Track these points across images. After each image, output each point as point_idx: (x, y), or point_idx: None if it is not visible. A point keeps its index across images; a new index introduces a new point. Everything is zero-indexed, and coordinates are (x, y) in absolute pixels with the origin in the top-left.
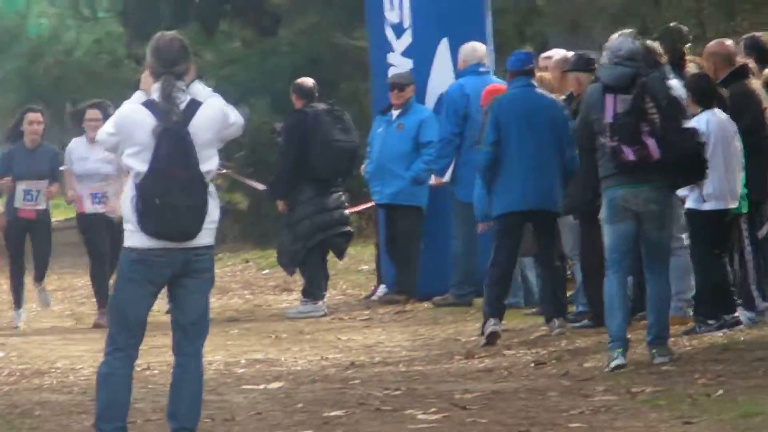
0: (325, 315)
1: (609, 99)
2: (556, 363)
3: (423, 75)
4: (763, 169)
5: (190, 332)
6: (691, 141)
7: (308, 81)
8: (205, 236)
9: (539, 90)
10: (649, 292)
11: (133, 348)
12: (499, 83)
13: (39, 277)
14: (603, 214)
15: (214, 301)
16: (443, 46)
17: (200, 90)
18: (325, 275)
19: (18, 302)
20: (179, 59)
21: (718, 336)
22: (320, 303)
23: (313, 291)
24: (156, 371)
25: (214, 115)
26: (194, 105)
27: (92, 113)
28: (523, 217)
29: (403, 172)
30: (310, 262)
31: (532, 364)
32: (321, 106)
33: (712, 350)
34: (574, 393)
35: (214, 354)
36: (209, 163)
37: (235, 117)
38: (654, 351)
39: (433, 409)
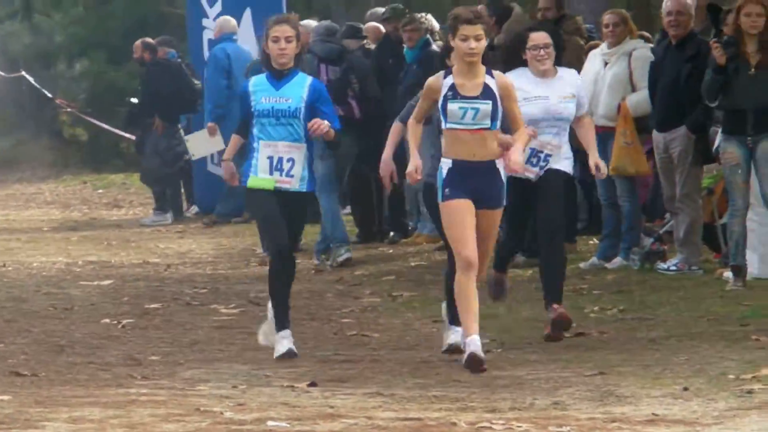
0: (171, 223)
1: (323, 68)
2: (332, 270)
3: None
4: None
5: None
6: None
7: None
8: None
9: None
10: None
11: None
12: (248, 51)
13: None
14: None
15: (58, 214)
16: (247, 15)
17: None
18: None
19: None
20: None
21: None
22: (168, 214)
23: (164, 205)
24: (10, 268)
25: None
26: None
27: None
28: None
29: None
30: (170, 183)
31: (313, 271)
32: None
33: None
34: (346, 295)
35: (57, 256)
36: None
37: None
38: None
39: (232, 305)
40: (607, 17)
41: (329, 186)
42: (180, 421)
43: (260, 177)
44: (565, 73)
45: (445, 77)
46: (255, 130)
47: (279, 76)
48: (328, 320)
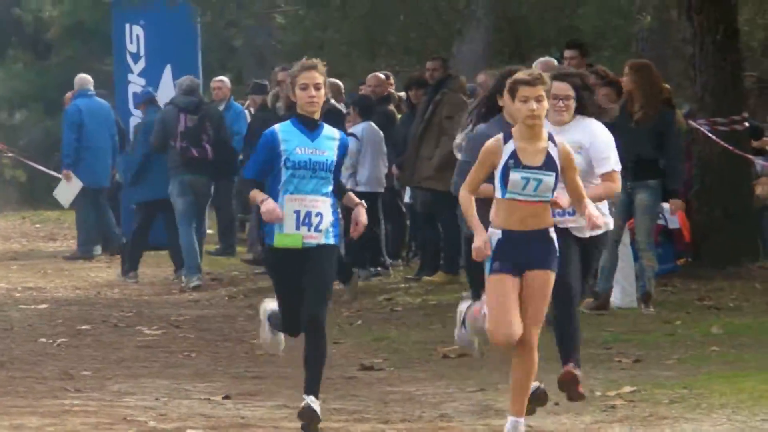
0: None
1: (182, 116)
2: (244, 298)
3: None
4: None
5: None
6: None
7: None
8: None
9: None
10: None
11: None
12: (104, 103)
13: None
14: (171, 188)
15: (0, 246)
16: (167, 71)
17: None
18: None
19: None
20: None
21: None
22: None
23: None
24: None
25: None
26: None
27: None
28: None
29: None
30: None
31: (227, 298)
32: None
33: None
34: (256, 319)
35: None
36: None
37: None
38: None
39: (155, 327)
40: (479, 78)
41: (186, 220)
42: (109, 430)
43: (286, 233)
44: (584, 124)
45: (505, 141)
46: (281, 182)
47: (312, 127)
48: (240, 341)
